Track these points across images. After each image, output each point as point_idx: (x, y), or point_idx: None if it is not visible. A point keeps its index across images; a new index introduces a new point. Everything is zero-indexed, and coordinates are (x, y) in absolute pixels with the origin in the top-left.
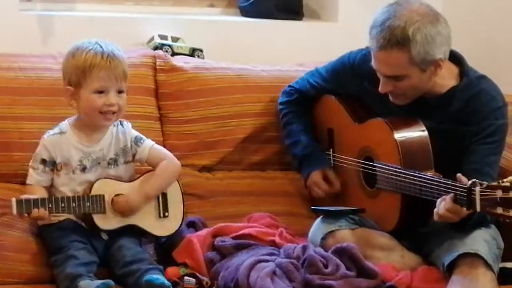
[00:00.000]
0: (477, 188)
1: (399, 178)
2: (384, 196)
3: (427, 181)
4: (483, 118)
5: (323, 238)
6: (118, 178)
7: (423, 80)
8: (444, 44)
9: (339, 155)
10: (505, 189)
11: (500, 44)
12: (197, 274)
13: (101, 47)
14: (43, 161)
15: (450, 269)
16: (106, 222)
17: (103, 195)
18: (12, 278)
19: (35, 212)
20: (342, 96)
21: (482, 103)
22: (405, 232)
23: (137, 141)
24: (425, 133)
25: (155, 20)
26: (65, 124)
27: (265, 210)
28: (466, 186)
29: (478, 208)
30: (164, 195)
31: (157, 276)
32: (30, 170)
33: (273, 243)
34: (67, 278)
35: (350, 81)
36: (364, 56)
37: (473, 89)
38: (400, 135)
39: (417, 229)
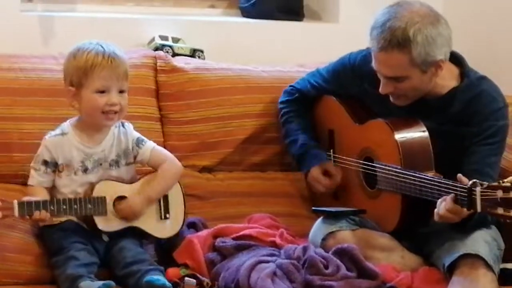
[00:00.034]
0: (478, 189)
1: (400, 179)
2: (385, 196)
3: (427, 181)
4: (484, 119)
5: (324, 239)
6: (119, 180)
7: (424, 81)
8: (445, 45)
9: (339, 156)
10: (506, 190)
11: (500, 44)
12: (198, 275)
13: (102, 47)
14: (45, 162)
15: (451, 270)
16: (108, 224)
17: (105, 197)
18: (13, 279)
19: (36, 214)
20: (342, 97)
21: (483, 104)
22: (406, 232)
23: (138, 143)
24: (426, 133)
25: (156, 21)
26: (66, 125)
27: (265, 211)
28: (466, 187)
29: (478, 209)
30: (166, 197)
31: (157, 277)
32: (32, 171)
33: (273, 244)
34: (68, 279)
35: (350, 82)
36: (364, 57)
37: (474, 90)
38: (400, 136)
39: (418, 230)
